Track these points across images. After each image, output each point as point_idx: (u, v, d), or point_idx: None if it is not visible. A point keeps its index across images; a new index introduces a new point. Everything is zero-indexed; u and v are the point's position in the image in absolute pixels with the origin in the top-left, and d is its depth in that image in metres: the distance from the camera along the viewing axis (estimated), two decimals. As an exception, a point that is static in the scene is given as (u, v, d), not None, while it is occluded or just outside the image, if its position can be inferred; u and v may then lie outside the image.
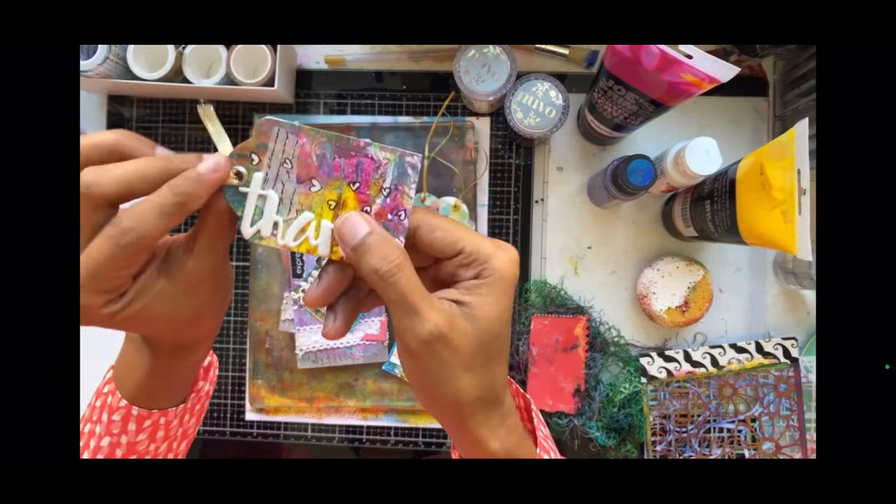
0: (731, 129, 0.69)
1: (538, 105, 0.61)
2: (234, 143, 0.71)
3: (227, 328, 0.72)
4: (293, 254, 0.69)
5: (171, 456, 0.41)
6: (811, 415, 0.67)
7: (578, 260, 0.70)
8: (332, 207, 0.29)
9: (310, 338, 0.69)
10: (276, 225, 0.29)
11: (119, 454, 0.38)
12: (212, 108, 0.31)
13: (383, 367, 0.70)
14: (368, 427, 0.71)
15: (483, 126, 0.70)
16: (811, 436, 0.67)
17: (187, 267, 0.29)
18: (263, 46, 0.65)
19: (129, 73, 0.65)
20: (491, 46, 0.61)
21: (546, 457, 0.33)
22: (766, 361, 0.67)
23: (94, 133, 0.28)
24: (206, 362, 0.42)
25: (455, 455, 0.35)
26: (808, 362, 0.68)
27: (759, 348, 0.67)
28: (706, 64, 0.47)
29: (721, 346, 0.67)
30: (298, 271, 0.69)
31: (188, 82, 0.65)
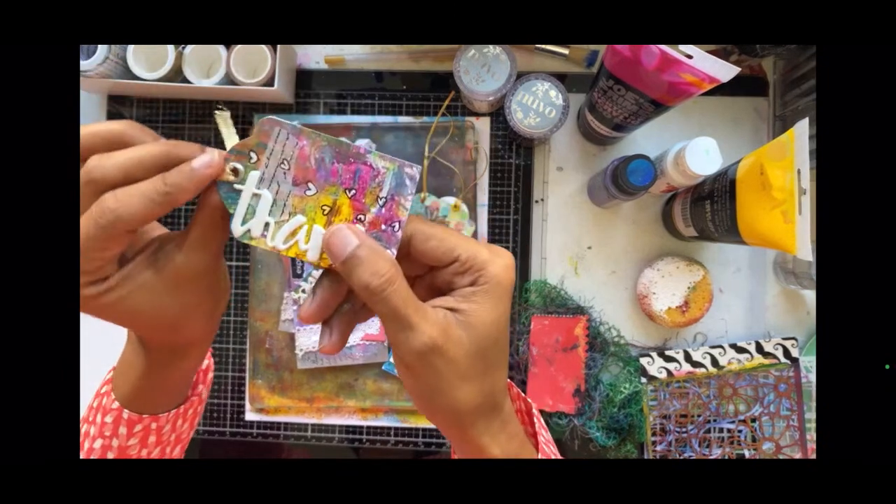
0: (731, 129, 0.69)
1: (538, 105, 0.61)
2: (234, 143, 0.72)
3: (227, 328, 0.72)
4: (293, 254, 0.69)
5: None
6: (811, 415, 0.67)
7: (578, 260, 0.70)
8: (325, 213, 0.29)
9: (310, 338, 0.69)
10: (267, 226, 0.28)
11: (111, 458, 0.38)
12: (228, 114, 0.30)
13: (383, 368, 0.70)
14: (368, 427, 0.71)
15: (483, 126, 0.70)
16: (811, 436, 0.67)
17: (175, 261, 0.28)
18: (263, 46, 0.65)
19: (129, 73, 0.65)
20: (491, 46, 0.61)
21: None
22: (767, 361, 0.67)
23: (101, 122, 0.28)
24: (203, 365, 0.42)
25: (455, 456, 0.35)
26: (808, 362, 0.68)
27: (760, 348, 0.67)
28: (706, 64, 0.47)
29: (721, 346, 0.67)
30: (298, 271, 0.69)
31: (188, 82, 0.65)
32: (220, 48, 0.65)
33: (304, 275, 0.69)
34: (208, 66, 0.69)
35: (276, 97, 0.68)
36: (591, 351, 0.68)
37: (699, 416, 0.67)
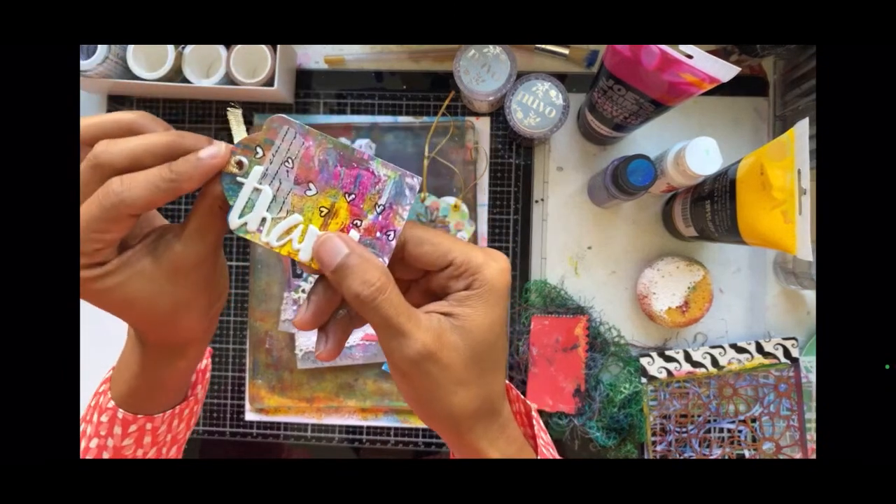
0: (731, 129, 0.69)
1: (538, 105, 0.61)
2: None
3: (227, 328, 0.72)
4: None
5: None
6: (811, 415, 0.67)
7: (578, 260, 0.70)
8: (322, 214, 0.29)
9: (310, 338, 0.69)
10: (263, 221, 0.29)
11: (106, 458, 0.37)
12: (240, 111, 0.31)
13: (383, 368, 0.70)
14: (368, 427, 0.71)
15: (483, 126, 0.70)
16: (811, 436, 0.67)
17: (174, 249, 0.28)
18: (263, 46, 0.65)
19: (128, 73, 0.65)
20: (491, 46, 0.61)
21: None
22: (767, 361, 0.67)
23: (114, 112, 0.28)
24: (201, 365, 0.42)
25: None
26: (809, 362, 0.68)
27: (760, 348, 0.67)
28: (706, 64, 0.47)
29: (721, 346, 0.67)
30: (298, 271, 0.69)
31: (188, 82, 0.65)
32: (220, 48, 0.65)
33: (304, 275, 0.69)
34: (208, 66, 0.69)
35: (275, 97, 0.68)
36: (591, 351, 0.68)
37: (699, 416, 0.67)
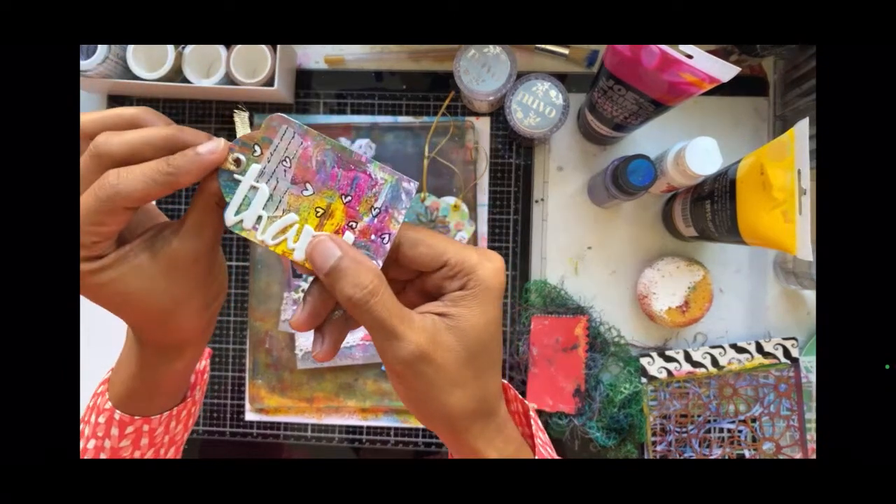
0: (731, 129, 0.69)
1: (538, 105, 0.61)
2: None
3: (227, 328, 0.72)
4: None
5: None
6: (811, 415, 0.67)
7: (578, 260, 0.70)
8: (318, 215, 0.29)
9: (309, 338, 0.69)
10: (259, 219, 0.29)
11: (103, 458, 0.37)
12: (247, 115, 0.31)
13: (382, 368, 0.70)
14: (368, 427, 0.71)
15: (483, 126, 0.70)
16: (811, 436, 0.67)
17: (171, 245, 0.28)
18: (263, 46, 0.65)
19: (128, 73, 0.65)
20: (491, 46, 0.61)
21: None
22: (767, 361, 0.67)
23: (118, 108, 0.29)
24: (200, 366, 0.42)
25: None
26: (809, 362, 0.68)
27: (760, 348, 0.67)
28: (706, 64, 0.47)
29: (721, 347, 0.67)
30: (298, 271, 0.69)
31: (188, 82, 0.65)
32: (220, 48, 0.65)
33: (304, 275, 0.69)
34: (208, 66, 0.69)
35: (275, 97, 0.68)
36: (591, 351, 0.68)
37: (699, 416, 0.67)
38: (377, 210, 0.29)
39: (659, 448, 0.67)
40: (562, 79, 0.62)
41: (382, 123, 0.70)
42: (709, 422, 0.67)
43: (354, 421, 0.71)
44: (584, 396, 0.67)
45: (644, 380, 0.67)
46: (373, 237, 0.29)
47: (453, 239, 0.30)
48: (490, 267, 0.29)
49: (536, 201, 0.70)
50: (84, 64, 0.62)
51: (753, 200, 0.50)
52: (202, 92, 0.68)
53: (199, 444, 0.72)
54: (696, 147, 0.56)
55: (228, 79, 0.66)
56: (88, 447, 0.37)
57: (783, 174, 0.46)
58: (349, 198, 0.29)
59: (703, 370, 0.67)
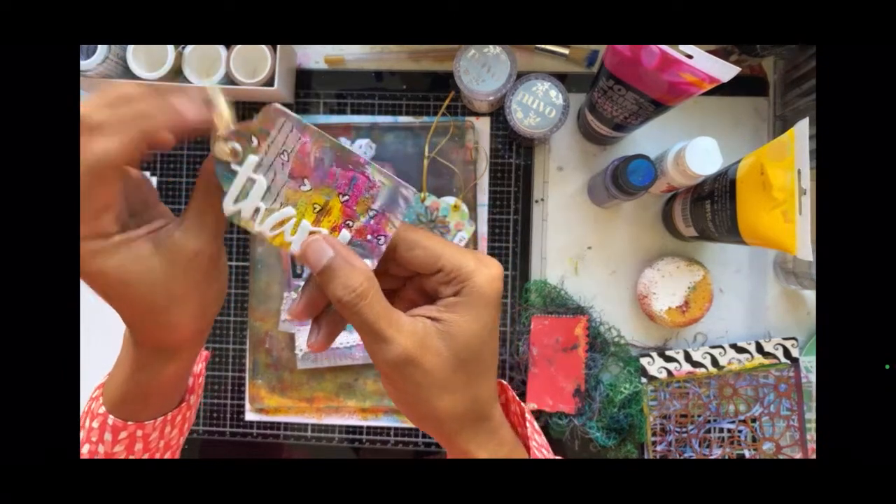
0: (731, 129, 0.69)
1: (538, 105, 0.61)
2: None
3: (227, 328, 0.72)
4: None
5: None
6: (811, 415, 0.67)
7: (578, 260, 0.70)
8: (315, 211, 0.29)
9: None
10: (257, 210, 0.29)
11: None
12: (219, 89, 0.30)
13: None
14: (368, 427, 0.71)
15: (483, 126, 0.70)
16: (811, 436, 0.67)
17: (173, 237, 0.28)
18: (263, 46, 0.65)
19: (128, 73, 0.65)
20: (491, 46, 0.61)
21: None
22: (767, 361, 0.67)
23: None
24: (197, 369, 0.41)
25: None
26: (809, 362, 0.68)
27: (760, 348, 0.67)
28: (706, 64, 0.47)
29: (721, 347, 0.67)
30: (298, 271, 0.69)
31: (188, 82, 0.65)
32: (220, 48, 0.65)
33: (304, 275, 0.69)
34: (208, 66, 0.68)
35: (275, 97, 0.68)
36: (591, 351, 0.68)
37: (699, 416, 0.67)
38: (374, 212, 0.29)
39: (659, 448, 0.67)
40: (562, 79, 0.62)
41: (382, 123, 0.70)
42: (709, 422, 0.67)
43: (354, 421, 0.71)
44: (584, 396, 0.67)
45: (644, 380, 0.67)
46: (369, 237, 0.29)
47: (452, 243, 0.30)
48: (486, 274, 0.29)
49: (536, 201, 0.70)
50: (84, 64, 0.62)
51: (753, 200, 0.50)
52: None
53: (199, 444, 0.72)
54: (696, 147, 0.56)
55: (228, 79, 0.66)
56: (83, 452, 0.37)
57: (783, 174, 0.46)
58: (346, 197, 0.29)
59: (703, 370, 0.67)
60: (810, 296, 0.68)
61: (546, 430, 0.68)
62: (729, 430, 0.67)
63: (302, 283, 0.68)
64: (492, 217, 0.70)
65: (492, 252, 0.70)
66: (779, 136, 0.47)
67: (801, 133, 0.45)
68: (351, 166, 0.29)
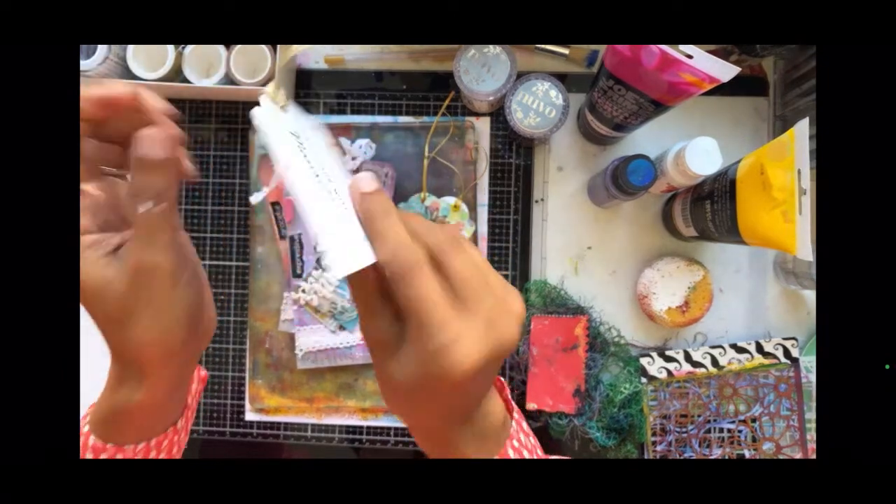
0: (731, 129, 0.69)
1: (538, 105, 0.61)
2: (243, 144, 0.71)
3: (227, 328, 0.72)
4: (293, 254, 0.69)
5: None
6: (811, 415, 0.67)
7: (578, 260, 0.70)
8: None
9: (310, 338, 0.69)
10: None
11: None
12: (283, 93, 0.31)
13: (383, 367, 0.70)
14: (368, 427, 0.71)
15: (483, 126, 0.70)
16: (811, 436, 0.67)
17: (126, 248, 0.28)
18: (263, 46, 0.65)
19: (128, 73, 0.65)
20: (491, 46, 0.61)
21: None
22: (767, 361, 0.67)
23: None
24: (192, 388, 0.39)
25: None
26: (809, 362, 0.68)
27: (760, 348, 0.67)
28: (706, 64, 0.47)
29: (721, 346, 0.67)
30: (298, 271, 0.69)
31: (188, 82, 0.65)
32: (220, 48, 0.65)
33: (304, 275, 0.69)
34: (208, 66, 0.68)
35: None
36: (591, 351, 0.68)
37: (699, 416, 0.67)
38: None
39: (659, 448, 0.67)
40: (562, 79, 0.62)
41: (382, 123, 0.70)
42: (709, 422, 0.67)
43: (354, 421, 0.71)
44: (584, 396, 0.67)
45: (644, 380, 0.67)
46: None
47: (455, 304, 0.26)
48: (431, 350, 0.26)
49: (536, 201, 0.70)
50: (84, 64, 0.62)
51: (753, 200, 0.50)
52: (202, 92, 0.68)
53: (199, 444, 0.72)
54: (696, 147, 0.56)
55: (228, 79, 0.66)
56: None
57: (783, 174, 0.46)
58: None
59: (703, 370, 0.67)
60: (810, 296, 0.68)
61: (546, 430, 0.68)
62: (729, 430, 0.67)
63: (302, 283, 0.69)
64: (492, 217, 0.70)
65: (492, 252, 0.70)
66: (779, 136, 0.47)
67: (801, 133, 0.45)
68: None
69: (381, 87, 0.71)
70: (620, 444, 0.68)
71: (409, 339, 0.26)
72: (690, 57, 0.47)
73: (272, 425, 0.72)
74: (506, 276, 0.70)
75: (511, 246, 0.70)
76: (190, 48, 0.65)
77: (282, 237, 0.70)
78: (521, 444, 0.33)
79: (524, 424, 0.35)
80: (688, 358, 0.67)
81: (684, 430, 0.67)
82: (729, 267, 0.69)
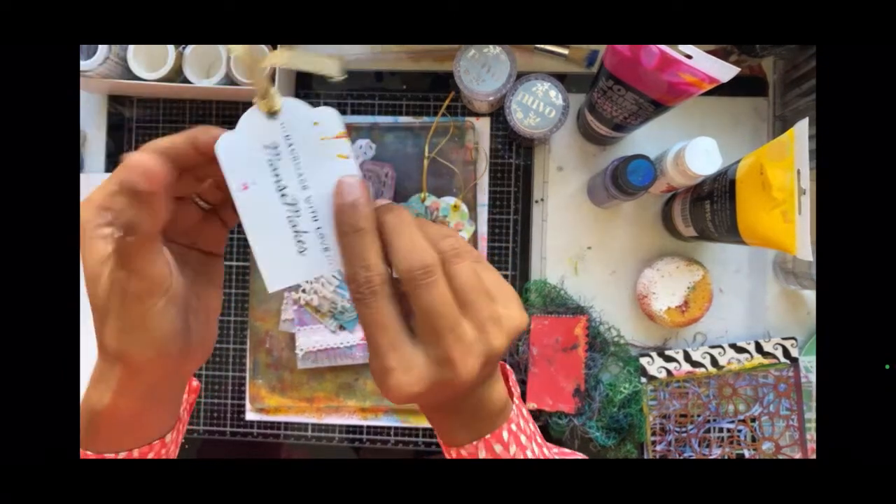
0: (731, 129, 0.69)
1: (538, 105, 0.61)
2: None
3: (227, 328, 0.72)
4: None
5: None
6: (811, 415, 0.67)
7: (578, 260, 0.70)
8: None
9: (310, 338, 0.69)
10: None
11: None
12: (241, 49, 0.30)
13: (383, 367, 0.70)
14: (368, 427, 0.71)
15: (483, 126, 0.70)
16: (811, 436, 0.67)
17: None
18: (264, 46, 0.65)
19: (129, 73, 0.65)
20: (491, 46, 0.61)
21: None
22: (766, 361, 0.67)
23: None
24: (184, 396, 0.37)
25: (452, 454, 0.35)
26: (808, 362, 0.68)
27: (759, 348, 0.67)
28: (706, 64, 0.47)
29: (721, 346, 0.67)
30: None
31: (188, 82, 0.65)
32: (220, 48, 0.65)
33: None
34: (208, 66, 0.69)
35: (276, 97, 0.68)
36: (591, 351, 0.68)
37: (699, 415, 0.67)
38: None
39: (658, 448, 0.67)
40: (562, 79, 0.62)
41: (382, 123, 0.70)
42: (708, 422, 0.67)
43: (354, 421, 0.71)
44: (584, 396, 0.67)
45: (644, 379, 0.67)
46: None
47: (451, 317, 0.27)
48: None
49: (536, 201, 0.70)
50: (84, 64, 0.62)
51: (753, 200, 0.50)
52: (202, 92, 0.68)
53: (199, 444, 0.72)
54: (696, 147, 0.56)
55: (229, 79, 0.66)
56: None
57: (783, 174, 0.46)
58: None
59: (702, 370, 0.67)
60: (810, 296, 0.68)
61: (546, 429, 0.68)
62: (728, 430, 0.67)
63: (302, 283, 0.69)
64: (492, 217, 0.70)
65: (492, 252, 0.70)
66: (778, 136, 0.47)
67: (801, 133, 0.45)
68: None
69: (381, 87, 0.71)
70: (620, 443, 0.68)
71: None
72: (690, 57, 0.47)
73: (272, 425, 0.72)
74: (506, 276, 0.70)
75: (511, 246, 0.70)
76: (190, 48, 0.65)
77: (282, 237, 0.69)
78: (520, 429, 0.33)
79: (524, 410, 0.35)
80: (687, 358, 0.67)
81: (684, 429, 0.67)
82: (729, 267, 0.69)
